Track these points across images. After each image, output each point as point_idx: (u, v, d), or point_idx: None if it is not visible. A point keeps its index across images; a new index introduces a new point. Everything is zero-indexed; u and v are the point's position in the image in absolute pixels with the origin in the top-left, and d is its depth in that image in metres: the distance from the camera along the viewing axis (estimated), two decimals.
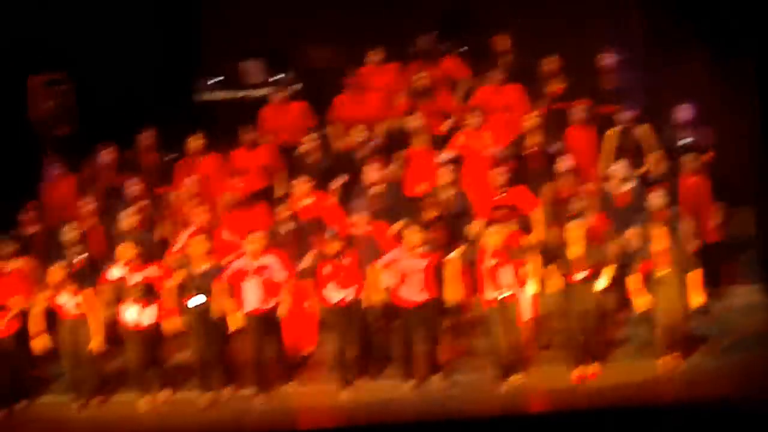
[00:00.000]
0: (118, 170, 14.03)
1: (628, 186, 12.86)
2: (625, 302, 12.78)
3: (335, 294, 12.12)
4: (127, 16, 15.75)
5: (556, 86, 14.37)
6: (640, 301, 11.96)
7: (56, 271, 12.17)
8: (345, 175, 13.63)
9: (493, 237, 11.79)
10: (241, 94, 15.96)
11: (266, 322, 12.17)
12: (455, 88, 14.89)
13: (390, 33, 15.29)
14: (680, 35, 14.11)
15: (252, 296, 12.14)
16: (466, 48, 15.82)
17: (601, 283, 11.86)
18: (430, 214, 12.40)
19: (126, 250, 12.21)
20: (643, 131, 13.58)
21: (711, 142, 13.38)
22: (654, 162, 13.32)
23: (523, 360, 12.17)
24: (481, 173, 13.53)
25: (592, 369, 12.04)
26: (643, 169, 13.32)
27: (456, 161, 13.67)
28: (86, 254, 12.78)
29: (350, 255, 12.10)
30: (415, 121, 13.86)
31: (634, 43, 15.17)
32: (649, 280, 11.94)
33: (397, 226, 12.41)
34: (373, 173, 13.14)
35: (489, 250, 11.80)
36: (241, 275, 12.10)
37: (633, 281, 11.99)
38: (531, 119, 13.73)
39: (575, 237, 11.86)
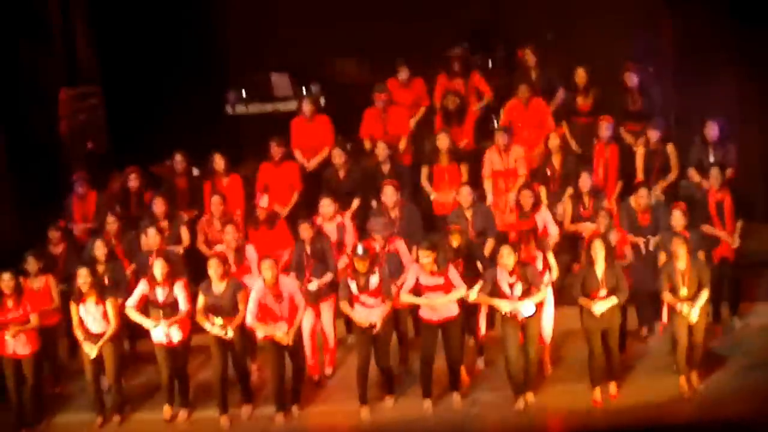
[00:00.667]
0: (146, 188, 14.07)
1: (651, 203, 12.82)
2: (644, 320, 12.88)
3: (361, 313, 12.04)
4: (156, 30, 15.91)
5: (583, 101, 14.30)
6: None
7: (83, 285, 12.15)
8: (366, 194, 13.72)
9: (511, 255, 11.72)
10: (269, 107, 15.97)
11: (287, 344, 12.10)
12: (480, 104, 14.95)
13: (417, 47, 15.30)
14: (709, 52, 14.03)
15: (272, 318, 12.07)
16: (492, 63, 15.87)
17: (694, 314, 11.78)
18: (455, 240, 12.33)
19: (155, 267, 12.19)
20: (670, 149, 13.55)
21: (735, 159, 13.29)
22: (679, 179, 13.37)
23: (539, 379, 12.12)
24: (505, 192, 13.59)
25: (612, 389, 11.99)
26: (666, 183, 13.35)
27: (483, 178, 13.76)
28: (112, 270, 12.80)
29: (377, 273, 12.03)
30: (442, 139, 13.84)
31: (663, 59, 15.14)
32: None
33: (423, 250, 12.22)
34: (394, 192, 13.09)
35: (506, 269, 11.75)
36: (264, 299, 12.03)
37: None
38: (555, 138, 13.71)
39: (597, 256, 11.78)
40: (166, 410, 12.47)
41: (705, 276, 11.81)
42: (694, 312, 11.71)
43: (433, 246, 11.95)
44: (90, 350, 12.20)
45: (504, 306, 11.77)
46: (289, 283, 12.17)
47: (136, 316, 12.26)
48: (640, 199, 12.79)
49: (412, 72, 14.87)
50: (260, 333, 12.13)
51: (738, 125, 13.56)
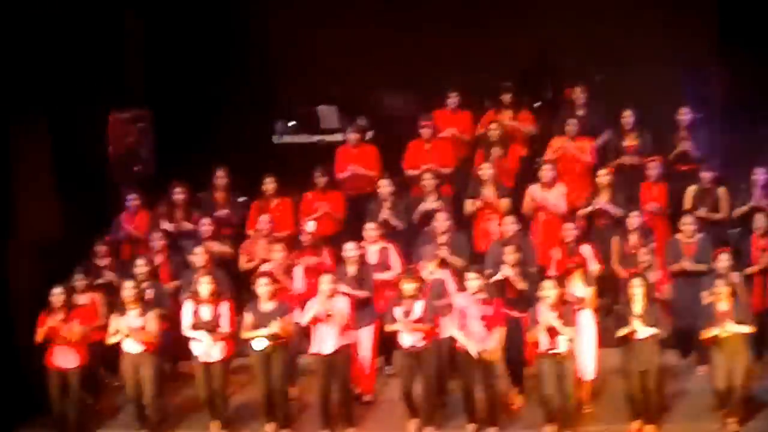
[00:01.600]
0: (192, 208, 14.19)
1: (698, 235, 12.88)
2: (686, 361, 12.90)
3: (406, 338, 12.11)
4: (207, 56, 16.13)
5: (629, 143, 14.36)
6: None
7: (127, 297, 12.26)
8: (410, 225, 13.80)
9: (552, 291, 11.75)
10: (315, 138, 16.10)
11: (334, 364, 12.19)
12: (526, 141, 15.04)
13: (465, 85, 15.37)
14: (758, 100, 14.04)
15: (322, 337, 12.17)
16: (540, 103, 15.97)
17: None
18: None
19: (201, 285, 12.28)
20: (722, 191, 13.59)
21: None
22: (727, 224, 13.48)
23: (576, 417, 12.09)
24: (551, 227, 13.59)
25: (650, 430, 11.95)
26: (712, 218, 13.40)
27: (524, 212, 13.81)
28: (155, 288, 12.93)
29: (422, 301, 12.10)
30: (486, 172, 13.90)
31: (712, 106, 15.20)
32: (714, 340, 11.83)
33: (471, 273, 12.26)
34: (445, 219, 13.14)
35: (547, 304, 11.76)
36: (316, 318, 12.15)
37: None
38: (603, 176, 13.74)
39: (635, 294, 11.79)
40: (213, 427, 12.53)
41: (747, 318, 11.80)
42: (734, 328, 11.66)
43: (482, 271, 12.05)
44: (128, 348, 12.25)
45: (471, 348, 11.84)
46: (343, 303, 12.24)
47: (192, 333, 12.30)
48: (684, 226, 12.85)
49: (461, 102, 14.96)
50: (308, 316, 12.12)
51: None
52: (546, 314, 11.74)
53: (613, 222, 13.54)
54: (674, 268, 12.84)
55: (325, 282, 12.13)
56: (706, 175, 13.60)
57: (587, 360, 12.25)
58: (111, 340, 12.31)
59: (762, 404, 12.28)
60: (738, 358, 11.79)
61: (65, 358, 12.45)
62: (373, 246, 13.09)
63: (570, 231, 12.88)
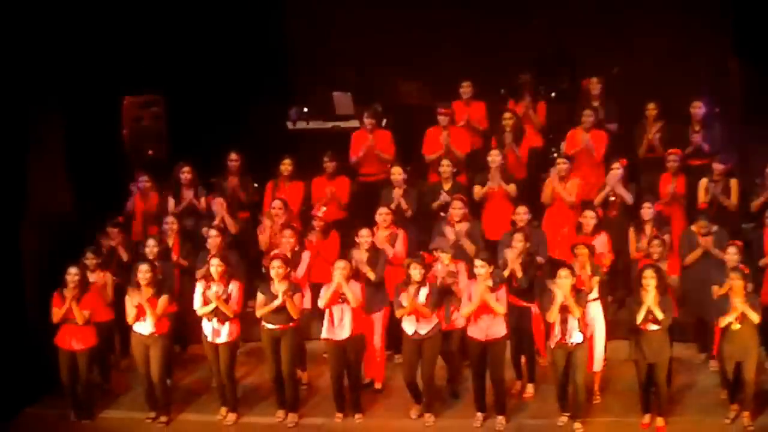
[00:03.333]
0: (205, 191, 14.26)
1: (712, 229, 12.86)
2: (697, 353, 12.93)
3: (409, 326, 12.15)
4: (221, 41, 16.13)
5: (652, 133, 14.34)
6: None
7: (142, 280, 12.27)
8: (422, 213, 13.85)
9: (564, 282, 11.72)
10: (330, 124, 16.11)
11: (347, 350, 12.23)
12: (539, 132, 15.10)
13: (481, 73, 15.38)
14: None
15: (336, 323, 12.20)
16: (556, 95, 15.94)
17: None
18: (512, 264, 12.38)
19: (212, 266, 12.30)
20: (733, 183, 13.58)
21: None
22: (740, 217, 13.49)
23: (587, 407, 12.13)
24: (563, 219, 13.60)
25: (660, 423, 11.95)
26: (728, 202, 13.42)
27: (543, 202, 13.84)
28: (165, 269, 12.91)
29: (428, 287, 12.10)
30: (495, 159, 13.87)
31: (729, 100, 15.18)
32: (724, 333, 11.80)
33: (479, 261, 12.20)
34: (462, 206, 13.15)
35: (559, 295, 11.73)
36: (331, 300, 12.18)
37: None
38: (618, 167, 13.71)
39: (648, 284, 11.75)
40: (222, 411, 12.58)
41: (757, 309, 11.74)
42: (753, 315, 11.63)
43: (490, 260, 12.04)
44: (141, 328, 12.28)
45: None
46: (355, 287, 12.25)
47: (204, 311, 12.27)
48: (701, 228, 12.83)
49: (475, 92, 14.96)
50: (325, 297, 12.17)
51: None
52: (560, 295, 11.71)
53: (625, 213, 13.50)
54: (694, 256, 12.82)
55: (340, 267, 12.14)
56: (718, 167, 13.58)
57: (596, 351, 12.24)
58: (202, 311, 12.27)
59: None
60: (748, 352, 11.74)
61: (75, 338, 12.47)
62: (383, 231, 13.10)
63: (590, 219, 12.90)
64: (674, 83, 15.19)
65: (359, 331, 12.29)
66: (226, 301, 12.22)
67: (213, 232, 13.06)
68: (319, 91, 16.55)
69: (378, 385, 12.98)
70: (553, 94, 16.21)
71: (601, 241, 12.82)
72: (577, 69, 16.30)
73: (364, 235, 12.70)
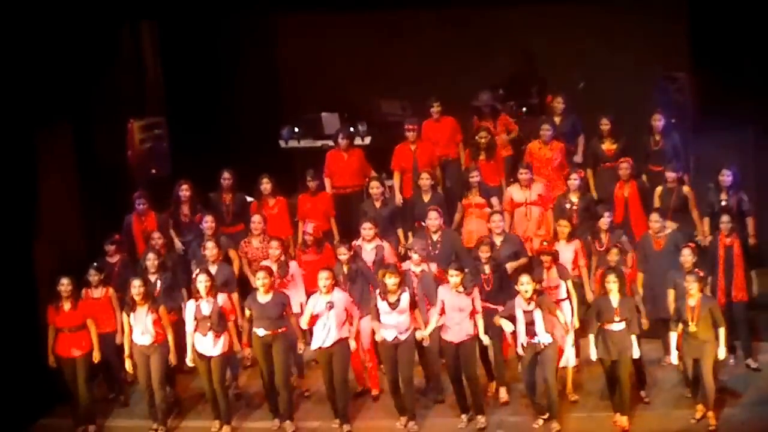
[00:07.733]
0: (201, 208, 14.29)
1: (667, 231, 13.01)
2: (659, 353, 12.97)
3: (387, 332, 12.18)
4: (219, 67, 16.55)
5: (607, 147, 14.57)
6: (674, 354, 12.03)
7: (136, 296, 12.28)
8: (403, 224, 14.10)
9: (530, 283, 11.85)
10: (319, 143, 16.33)
11: (333, 355, 12.20)
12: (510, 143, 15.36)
13: (454, 91, 15.68)
14: (729, 106, 14.17)
15: (323, 331, 12.20)
16: (526, 110, 16.25)
17: (721, 352, 11.89)
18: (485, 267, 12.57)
19: (198, 282, 12.25)
20: (686, 189, 13.73)
21: (751, 207, 13.45)
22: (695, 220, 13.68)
23: (562, 405, 12.19)
24: (527, 224, 13.90)
25: (623, 421, 12.02)
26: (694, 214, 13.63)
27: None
28: (165, 281, 13.08)
29: (407, 292, 12.16)
30: (473, 176, 14.07)
31: (684, 111, 15.37)
32: (682, 334, 11.90)
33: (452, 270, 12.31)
34: (437, 217, 13.27)
35: (526, 296, 11.87)
36: (311, 322, 12.19)
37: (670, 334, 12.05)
38: (575, 177, 13.91)
39: (611, 287, 11.87)
40: (216, 425, 12.55)
41: (717, 314, 11.83)
42: (721, 351, 11.77)
43: (462, 268, 12.14)
44: (129, 367, 12.42)
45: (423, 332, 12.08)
46: (342, 296, 12.29)
47: (194, 338, 12.29)
48: (653, 223, 12.97)
49: (444, 110, 15.12)
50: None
51: (755, 175, 13.91)
52: (521, 307, 11.90)
53: (588, 222, 13.65)
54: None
55: (324, 278, 12.13)
56: (670, 175, 13.69)
57: (567, 348, 12.29)
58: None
59: (736, 393, 12.38)
60: (704, 351, 11.80)
61: (73, 345, 12.55)
62: (368, 244, 13.21)
63: (606, 219, 13.13)
64: (633, 99, 15.41)
65: (345, 337, 12.22)
66: (220, 316, 12.22)
67: (211, 245, 13.06)
68: (309, 112, 16.79)
69: (375, 392, 12.94)
70: (524, 109, 16.51)
71: (575, 247, 12.95)
72: (545, 86, 16.56)
73: (342, 252, 12.80)
